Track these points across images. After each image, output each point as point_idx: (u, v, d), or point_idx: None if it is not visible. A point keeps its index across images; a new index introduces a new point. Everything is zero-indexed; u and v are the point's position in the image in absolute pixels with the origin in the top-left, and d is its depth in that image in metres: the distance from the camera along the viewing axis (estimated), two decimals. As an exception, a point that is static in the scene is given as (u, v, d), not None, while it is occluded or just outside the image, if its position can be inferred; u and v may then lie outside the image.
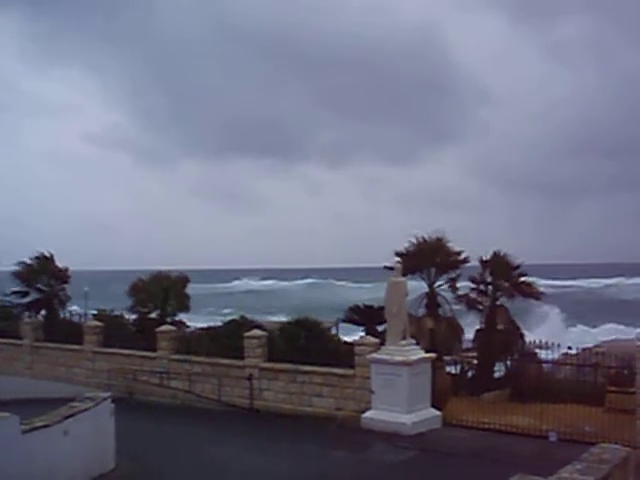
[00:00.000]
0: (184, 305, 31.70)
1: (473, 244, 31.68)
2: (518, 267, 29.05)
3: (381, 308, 23.67)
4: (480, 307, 29.10)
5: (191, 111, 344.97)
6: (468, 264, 29.10)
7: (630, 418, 17.77)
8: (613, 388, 22.94)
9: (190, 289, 32.81)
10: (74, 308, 35.54)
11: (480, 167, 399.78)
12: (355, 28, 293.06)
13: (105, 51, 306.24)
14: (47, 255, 34.34)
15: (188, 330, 28.90)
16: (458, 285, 29.02)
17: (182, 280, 32.43)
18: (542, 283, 34.80)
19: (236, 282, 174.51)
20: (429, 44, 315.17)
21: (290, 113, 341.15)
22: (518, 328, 28.84)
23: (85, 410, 15.32)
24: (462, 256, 28.33)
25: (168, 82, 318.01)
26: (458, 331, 27.96)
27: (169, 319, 30.19)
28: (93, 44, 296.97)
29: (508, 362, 27.89)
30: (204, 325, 28.65)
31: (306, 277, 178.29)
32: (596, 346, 31.85)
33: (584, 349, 27.23)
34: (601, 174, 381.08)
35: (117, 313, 30.95)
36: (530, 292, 29.30)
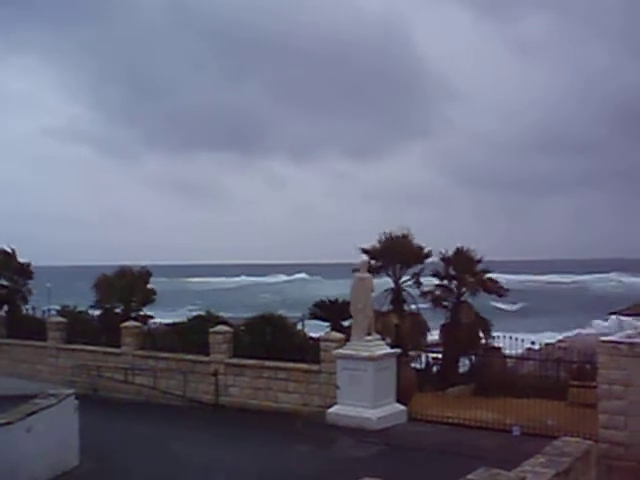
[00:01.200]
0: (149, 299, 31.49)
1: (439, 240, 31.85)
2: (479, 261, 29.24)
3: (347, 304, 23.70)
4: (445, 303, 29.26)
5: (152, 104, 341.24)
6: (434, 260, 29.25)
7: (592, 412, 17.95)
8: (575, 382, 23.21)
9: (159, 284, 32.62)
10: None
11: (446, 163, 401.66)
12: (320, 19, 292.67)
13: (62, 41, 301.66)
14: (8, 251, 33.83)
15: (153, 326, 28.68)
16: (423, 280, 29.15)
17: (145, 275, 32.21)
18: (508, 278, 35.24)
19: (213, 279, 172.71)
20: (395, 37, 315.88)
21: (253, 106, 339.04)
22: (486, 323, 29.05)
23: (48, 407, 15.17)
24: (425, 251, 28.47)
25: (128, 74, 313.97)
26: (423, 327, 28.10)
27: (133, 314, 29.96)
28: (50, 33, 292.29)
29: (473, 357, 28.09)
30: (169, 321, 28.48)
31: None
32: (559, 341, 32.25)
33: (547, 344, 27.56)
34: (570, 171, 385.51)
35: (81, 309, 30.60)
36: (493, 288, 29.51)
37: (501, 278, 31.63)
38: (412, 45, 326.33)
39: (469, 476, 6.44)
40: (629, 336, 17.85)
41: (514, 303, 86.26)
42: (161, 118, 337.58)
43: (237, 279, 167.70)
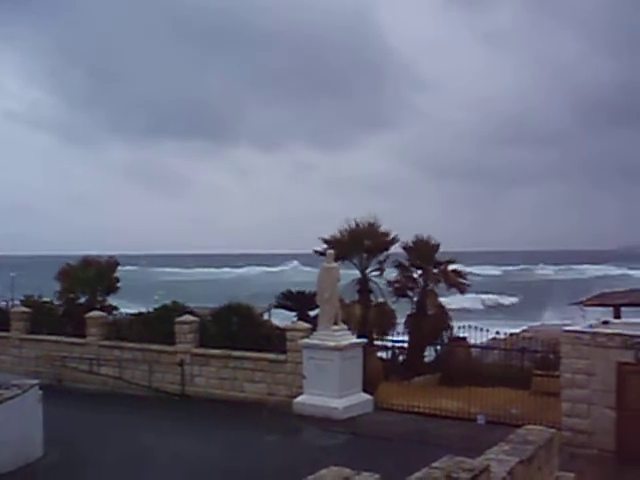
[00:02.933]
0: (113, 289, 31.23)
1: (405, 230, 31.90)
2: (438, 248, 29.28)
3: (313, 294, 23.72)
4: (410, 293, 29.34)
5: (116, 90, 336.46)
6: (396, 251, 29.29)
7: (555, 400, 18.20)
8: (539, 372, 23.47)
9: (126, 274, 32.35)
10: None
11: (412, 153, 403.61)
12: (286, 8, 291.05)
13: (21, 25, 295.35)
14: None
15: (118, 316, 28.45)
16: (389, 270, 29.22)
17: (112, 265, 31.94)
18: (471, 270, 35.37)
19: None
20: (362, 26, 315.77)
21: (219, 94, 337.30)
22: (447, 312, 29.20)
23: (12, 398, 15.01)
24: (390, 237, 28.50)
25: (91, 59, 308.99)
26: (390, 316, 28.17)
27: (99, 305, 29.70)
28: (7, 16, 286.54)
29: (438, 347, 28.26)
30: (135, 311, 28.26)
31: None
32: (523, 331, 32.49)
33: (512, 334, 27.76)
34: (535, 163, 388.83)
35: (45, 299, 30.25)
36: (456, 282, 29.57)
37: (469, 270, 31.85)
38: (379, 34, 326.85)
39: (434, 464, 6.48)
40: (591, 326, 18.11)
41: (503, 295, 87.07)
42: (125, 104, 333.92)
43: (241, 270, 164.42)
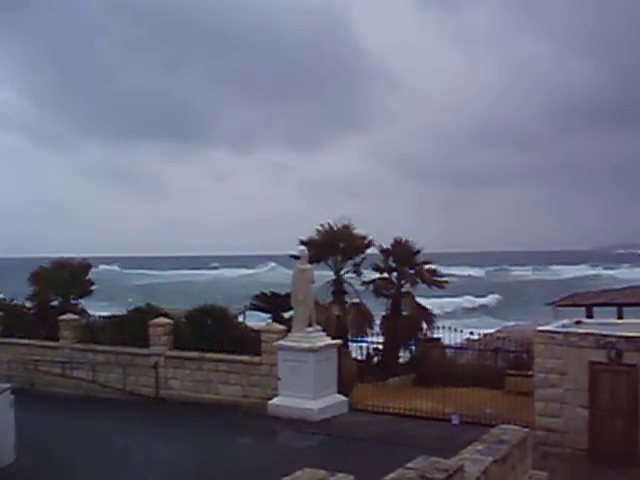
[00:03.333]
0: (87, 292, 30.99)
1: (380, 232, 31.98)
2: (418, 252, 29.45)
3: (288, 295, 23.70)
4: (387, 293, 29.42)
5: (88, 91, 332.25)
6: (374, 252, 29.39)
7: (528, 400, 18.32)
8: (512, 372, 23.63)
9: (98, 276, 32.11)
10: None
11: (388, 155, 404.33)
12: (261, 7, 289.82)
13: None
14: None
15: (92, 318, 28.23)
16: (365, 272, 29.30)
17: (85, 267, 31.69)
18: (448, 272, 35.63)
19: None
20: (336, 27, 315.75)
21: (193, 95, 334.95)
22: (429, 313, 29.32)
23: (-17, 402, 14.85)
24: (366, 240, 28.59)
25: (61, 59, 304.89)
26: (367, 317, 28.24)
27: (72, 307, 29.45)
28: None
29: (413, 348, 28.36)
30: (108, 313, 28.06)
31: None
32: (497, 331, 32.72)
33: (485, 334, 27.94)
34: (512, 165, 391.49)
35: (17, 302, 29.94)
36: (433, 280, 29.74)
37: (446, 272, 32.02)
38: (354, 35, 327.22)
39: (408, 465, 6.50)
40: (564, 325, 18.27)
41: (484, 296, 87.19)
42: (97, 105, 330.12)
43: (216, 272, 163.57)
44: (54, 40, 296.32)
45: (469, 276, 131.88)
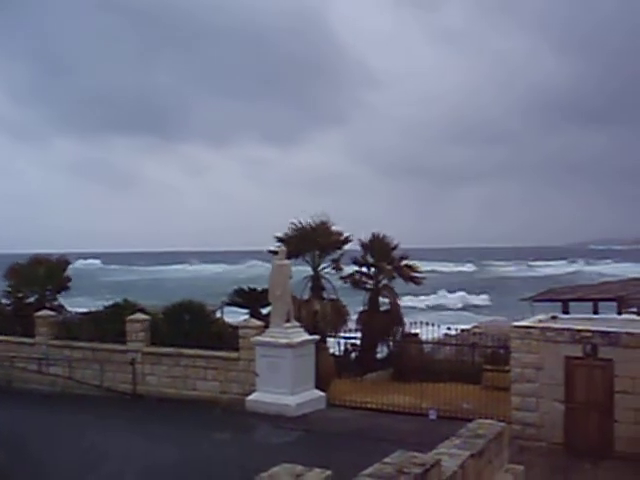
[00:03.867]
0: (64, 288, 30.77)
1: (355, 227, 31.99)
2: (396, 247, 29.52)
3: (265, 291, 23.67)
4: (365, 287, 29.44)
5: (62, 85, 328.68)
6: (352, 247, 29.41)
7: (505, 395, 18.45)
8: (489, 367, 23.75)
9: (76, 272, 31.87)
10: None
11: (364, 150, 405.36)
12: (238, 2, 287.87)
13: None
14: None
15: (69, 314, 28.05)
16: (345, 267, 29.31)
17: (63, 263, 31.46)
18: (426, 268, 35.74)
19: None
20: (314, 22, 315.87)
21: (171, 90, 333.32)
22: (400, 309, 29.36)
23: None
24: (344, 236, 28.61)
25: (36, 51, 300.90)
26: (343, 313, 28.25)
27: (48, 304, 29.25)
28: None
29: (390, 343, 28.41)
30: (85, 309, 27.91)
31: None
32: (474, 327, 32.88)
33: (463, 330, 28.08)
34: (485, 161, 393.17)
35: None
36: (411, 276, 29.82)
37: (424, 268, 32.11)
38: (331, 30, 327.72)
39: (386, 459, 6.51)
40: (541, 321, 18.40)
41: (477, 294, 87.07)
42: (74, 99, 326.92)
43: (193, 267, 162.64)
44: (27, 34, 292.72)
45: (459, 272, 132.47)
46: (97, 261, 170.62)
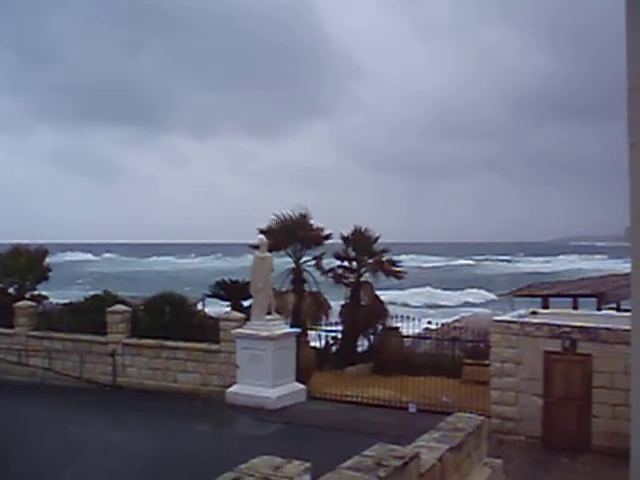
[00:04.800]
0: (43, 278, 30.66)
1: (340, 221, 32.17)
2: (376, 240, 29.59)
3: (247, 283, 23.66)
4: (347, 282, 29.51)
5: (42, 73, 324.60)
6: (334, 241, 29.46)
7: (485, 389, 18.56)
8: (469, 361, 23.89)
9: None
10: None
11: (350, 143, 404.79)
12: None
13: None
14: None
15: (49, 305, 27.93)
16: (326, 260, 29.35)
17: (42, 253, 31.34)
18: (409, 263, 35.86)
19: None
20: (300, 12, 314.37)
21: (153, 79, 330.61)
22: (382, 303, 29.46)
23: None
24: (325, 232, 28.65)
25: (14, 39, 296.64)
26: (324, 306, 28.30)
27: (28, 294, 29.12)
28: None
29: (371, 337, 28.50)
30: (66, 300, 27.79)
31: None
32: (455, 321, 33.03)
33: (443, 324, 28.18)
34: (474, 156, 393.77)
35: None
36: (392, 271, 29.89)
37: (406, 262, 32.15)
38: (318, 21, 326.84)
39: (365, 452, 6.53)
40: (520, 315, 18.50)
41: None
42: (53, 88, 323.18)
43: (174, 259, 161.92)
44: (7, 20, 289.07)
45: (459, 266, 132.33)
46: (89, 255, 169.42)
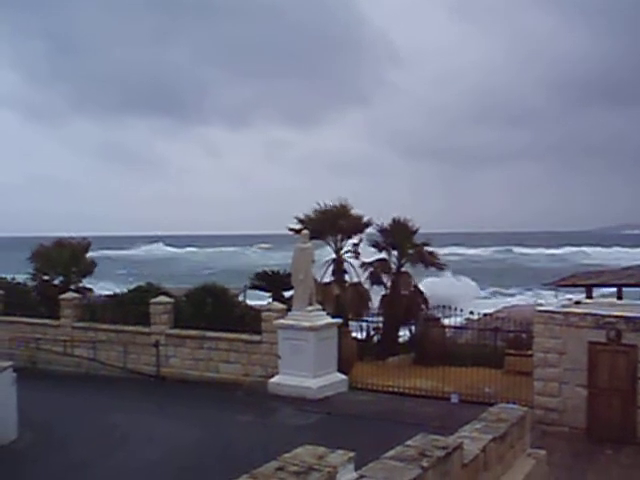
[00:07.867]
0: (88, 271, 31.06)
1: (377, 210, 32.00)
2: (417, 231, 29.47)
3: (288, 274, 23.74)
4: (383, 277, 29.43)
5: (79, 64, 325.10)
6: (372, 230, 29.40)
7: (527, 379, 18.41)
8: (512, 351, 23.72)
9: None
10: None
11: (385, 131, 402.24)
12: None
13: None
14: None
15: (93, 297, 28.31)
16: (362, 251, 29.32)
17: (85, 246, 31.74)
18: (445, 252, 35.64)
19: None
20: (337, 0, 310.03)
21: (188, 69, 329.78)
22: (422, 293, 29.38)
23: (-15, 379, 14.90)
24: (364, 220, 28.60)
25: (52, 32, 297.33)
26: (365, 297, 28.30)
27: (73, 286, 29.53)
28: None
29: (412, 327, 28.44)
30: (110, 292, 28.14)
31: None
32: (497, 311, 32.80)
33: (485, 314, 27.99)
34: (507, 142, 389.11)
35: (18, 280, 30.00)
36: (433, 261, 29.77)
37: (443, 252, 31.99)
38: (355, 7, 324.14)
39: (408, 442, 6.54)
40: (564, 306, 18.31)
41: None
42: (90, 79, 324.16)
43: (211, 250, 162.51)
44: (44, 12, 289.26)
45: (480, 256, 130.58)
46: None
